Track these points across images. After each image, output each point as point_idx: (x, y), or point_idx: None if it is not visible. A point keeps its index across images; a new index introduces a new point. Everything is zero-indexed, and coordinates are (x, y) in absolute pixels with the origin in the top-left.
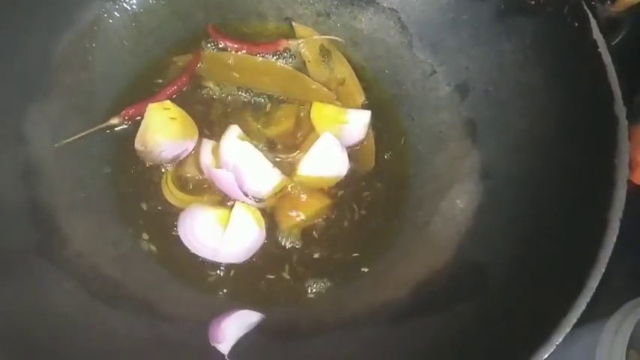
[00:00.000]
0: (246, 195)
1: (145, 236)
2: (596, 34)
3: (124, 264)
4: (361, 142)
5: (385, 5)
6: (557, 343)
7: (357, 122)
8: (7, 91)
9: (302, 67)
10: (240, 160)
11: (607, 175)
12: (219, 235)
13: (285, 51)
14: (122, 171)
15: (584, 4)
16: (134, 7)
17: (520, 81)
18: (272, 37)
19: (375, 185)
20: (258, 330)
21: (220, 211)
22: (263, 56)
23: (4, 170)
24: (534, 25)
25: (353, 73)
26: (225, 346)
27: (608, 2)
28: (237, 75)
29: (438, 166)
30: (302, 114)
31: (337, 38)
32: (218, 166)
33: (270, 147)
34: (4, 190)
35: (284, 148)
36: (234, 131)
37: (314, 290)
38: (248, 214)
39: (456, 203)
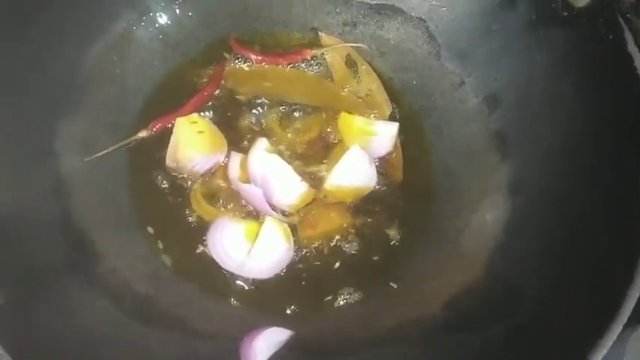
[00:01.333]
0: (274, 209)
1: (174, 251)
2: (632, 48)
3: (155, 280)
4: (389, 154)
5: (413, 15)
6: None
7: (385, 134)
8: (37, 108)
9: (329, 76)
10: (268, 173)
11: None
12: (246, 249)
13: (311, 59)
14: (148, 185)
15: (619, 16)
16: (161, 19)
17: (551, 93)
18: (297, 47)
19: (403, 199)
20: (287, 348)
21: (249, 225)
22: (293, 66)
23: (36, 186)
24: (566, 36)
25: (380, 84)
26: None
27: None
28: (268, 85)
29: (467, 180)
30: (328, 124)
31: (362, 45)
32: (246, 178)
33: (298, 158)
34: (37, 206)
35: (311, 160)
36: (262, 144)
37: (342, 306)
38: (278, 230)
39: (485, 218)
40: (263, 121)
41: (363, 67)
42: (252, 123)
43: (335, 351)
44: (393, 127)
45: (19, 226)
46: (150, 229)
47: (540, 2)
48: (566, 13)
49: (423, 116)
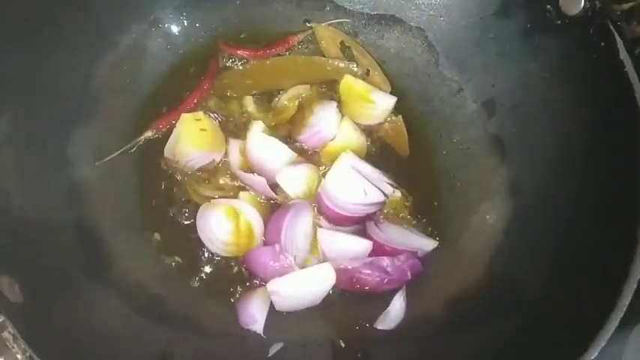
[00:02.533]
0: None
1: (182, 252)
2: (623, 54)
3: (166, 281)
4: (380, 125)
5: (412, 24)
6: (593, 357)
7: (382, 105)
8: (52, 118)
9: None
10: (268, 155)
11: (633, 192)
12: (230, 230)
13: (299, 45)
14: (156, 188)
15: (610, 24)
16: (170, 30)
17: (546, 99)
18: (283, 35)
19: (405, 202)
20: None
21: (227, 207)
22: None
23: (51, 192)
24: (561, 44)
25: (376, 64)
26: (259, 326)
27: (635, 22)
28: (251, 82)
29: (468, 183)
30: (303, 94)
31: (346, 20)
32: (247, 165)
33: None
34: (51, 211)
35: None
36: (258, 127)
37: (343, 306)
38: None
39: (485, 219)
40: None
41: (358, 50)
42: (243, 119)
43: (340, 350)
44: (391, 100)
45: (37, 229)
46: (157, 232)
47: (534, 11)
48: (559, 22)
49: (423, 122)
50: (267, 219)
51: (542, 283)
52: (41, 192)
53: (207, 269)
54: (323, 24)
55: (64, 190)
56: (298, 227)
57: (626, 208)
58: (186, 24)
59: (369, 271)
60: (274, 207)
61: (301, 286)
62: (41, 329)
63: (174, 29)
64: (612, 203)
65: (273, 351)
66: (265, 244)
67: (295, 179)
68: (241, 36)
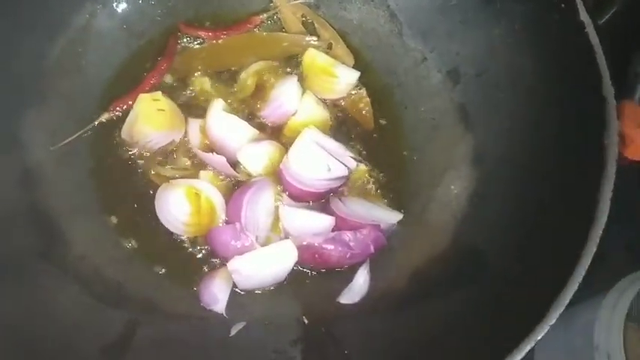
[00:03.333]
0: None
1: (141, 235)
2: (583, 15)
3: (124, 265)
4: (343, 99)
5: None
6: (551, 323)
7: (345, 79)
8: (2, 98)
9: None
10: (228, 133)
11: (597, 155)
12: (188, 211)
13: (261, 23)
14: (112, 170)
15: None
16: (124, 9)
17: (511, 64)
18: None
19: (369, 175)
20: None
21: (187, 188)
22: None
23: (3, 177)
24: (523, 7)
25: (339, 37)
26: (220, 306)
27: None
28: (210, 60)
29: (433, 153)
30: (263, 71)
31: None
32: (206, 145)
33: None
34: (3, 196)
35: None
36: (218, 105)
37: (306, 282)
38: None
39: (450, 189)
40: (213, 94)
41: (320, 23)
42: (202, 99)
43: (306, 325)
44: (355, 74)
45: None
46: (115, 216)
47: None
48: None
49: (388, 93)
50: (228, 198)
51: (506, 252)
52: None
53: (168, 251)
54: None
55: (18, 174)
56: (259, 205)
57: (589, 173)
58: (140, 2)
59: (331, 247)
60: (236, 185)
61: (263, 265)
62: None
63: (129, 8)
64: (575, 168)
65: (235, 330)
66: (227, 223)
67: (257, 156)
68: (201, 14)
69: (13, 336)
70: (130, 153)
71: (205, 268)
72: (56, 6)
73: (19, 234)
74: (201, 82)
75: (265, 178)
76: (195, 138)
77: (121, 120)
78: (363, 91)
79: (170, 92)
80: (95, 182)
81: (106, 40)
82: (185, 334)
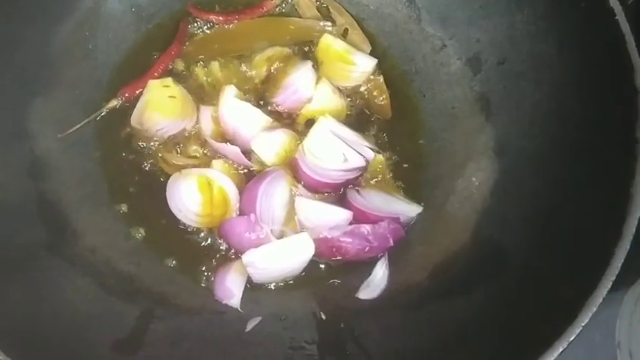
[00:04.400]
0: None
1: (151, 227)
2: (613, 2)
3: (136, 257)
4: (358, 87)
5: None
6: (584, 323)
7: (362, 67)
8: (8, 87)
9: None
10: (241, 120)
11: (628, 148)
12: (200, 202)
13: (274, 8)
14: (121, 160)
15: None
16: None
17: (533, 52)
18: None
19: (388, 167)
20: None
21: (200, 178)
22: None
23: (10, 167)
24: None
25: (355, 23)
26: (235, 301)
27: None
28: (221, 46)
29: (452, 144)
30: (276, 56)
31: None
32: (220, 133)
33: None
34: (12, 187)
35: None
36: (231, 91)
37: (323, 276)
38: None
39: (471, 181)
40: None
41: (335, 9)
42: (215, 85)
43: (323, 321)
44: (372, 62)
45: None
46: (125, 206)
47: None
48: None
49: (406, 81)
50: (242, 188)
51: (530, 246)
52: (1, 167)
53: (180, 243)
54: None
55: (25, 164)
56: (275, 196)
57: (618, 166)
58: None
59: (349, 240)
60: (250, 176)
61: (278, 258)
62: (1, 310)
63: None
64: (603, 161)
65: (251, 325)
66: (240, 214)
67: (271, 145)
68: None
69: (23, 330)
70: (139, 141)
71: (216, 262)
72: None
73: (28, 225)
74: (212, 68)
75: (280, 168)
76: (207, 126)
77: (131, 107)
78: (381, 79)
79: (181, 78)
80: (104, 171)
81: (115, 24)
82: (199, 329)
